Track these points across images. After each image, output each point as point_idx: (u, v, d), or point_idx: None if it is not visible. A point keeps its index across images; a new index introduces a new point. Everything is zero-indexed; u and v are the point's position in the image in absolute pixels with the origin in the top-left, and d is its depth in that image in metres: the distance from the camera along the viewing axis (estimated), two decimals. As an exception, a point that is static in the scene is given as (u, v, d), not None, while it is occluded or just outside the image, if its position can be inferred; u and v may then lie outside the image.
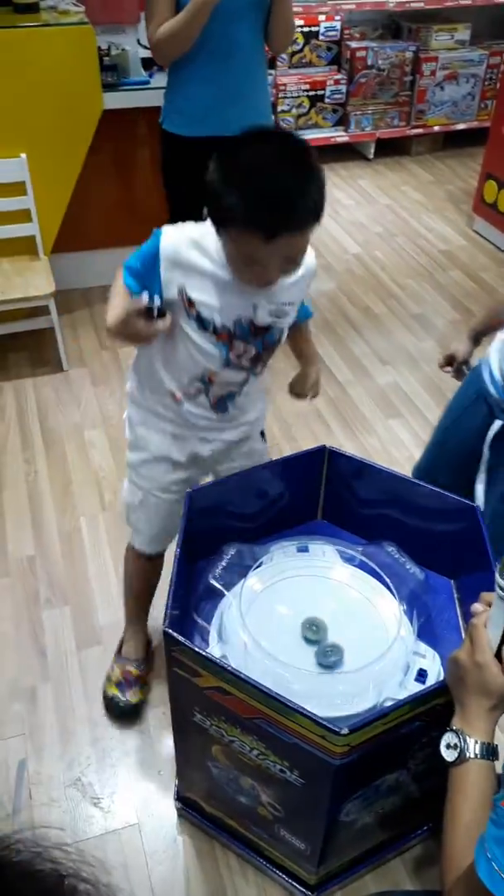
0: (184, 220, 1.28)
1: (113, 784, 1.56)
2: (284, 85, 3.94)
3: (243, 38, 2.05)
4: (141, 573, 1.66)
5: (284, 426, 2.53)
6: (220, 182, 1.11)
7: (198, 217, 1.31)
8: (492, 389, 1.48)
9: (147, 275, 1.23)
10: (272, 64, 3.80)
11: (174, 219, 1.33)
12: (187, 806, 1.48)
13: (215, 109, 2.10)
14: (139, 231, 3.25)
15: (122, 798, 1.54)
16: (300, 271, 1.25)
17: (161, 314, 1.24)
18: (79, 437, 2.43)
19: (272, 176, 1.10)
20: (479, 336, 1.67)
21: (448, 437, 1.66)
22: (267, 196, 1.09)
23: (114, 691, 1.67)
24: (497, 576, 0.96)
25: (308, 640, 1.22)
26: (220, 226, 1.15)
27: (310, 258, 1.28)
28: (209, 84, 2.09)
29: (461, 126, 4.40)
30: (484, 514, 1.35)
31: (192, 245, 1.21)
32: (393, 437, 2.51)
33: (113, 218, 2.96)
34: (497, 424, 1.47)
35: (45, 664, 1.78)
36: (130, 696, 1.66)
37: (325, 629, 1.22)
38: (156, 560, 1.64)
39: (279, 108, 3.95)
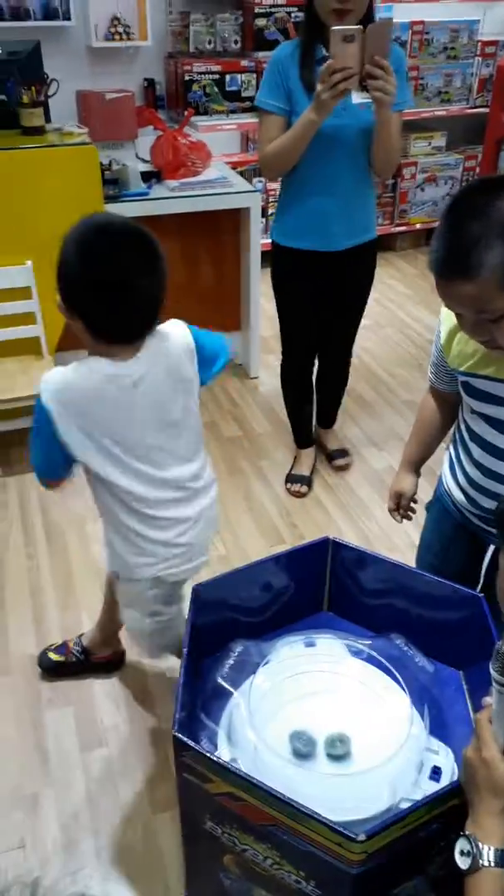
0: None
1: (119, 900, 1.50)
2: (274, 190, 4.18)
3: (346, 161, 2.14)
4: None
5: (284, 513, 2.55)
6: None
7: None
8: (475, 520, 1.49)
9: None
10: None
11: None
12: (197, 922, 1.41)
13: (319, 225, 2.21)
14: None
15: (129, 915, 1.47)
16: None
17: None
18: (80, 530, 2.45)
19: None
20: (418, 467, 1.67)
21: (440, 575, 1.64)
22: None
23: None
24: (492, 671, 0.96)
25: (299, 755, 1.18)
26: None
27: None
28: (315, 202, 2.19)
29: (441, 223, 4.66)
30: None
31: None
32: (392, 522, 2.51)
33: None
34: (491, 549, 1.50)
35: (47, 769, 1.73)
36: (52, 655, 1.96)
37: (347, 743, 1.18)
38: None
39: (268, 212, 4.18)
